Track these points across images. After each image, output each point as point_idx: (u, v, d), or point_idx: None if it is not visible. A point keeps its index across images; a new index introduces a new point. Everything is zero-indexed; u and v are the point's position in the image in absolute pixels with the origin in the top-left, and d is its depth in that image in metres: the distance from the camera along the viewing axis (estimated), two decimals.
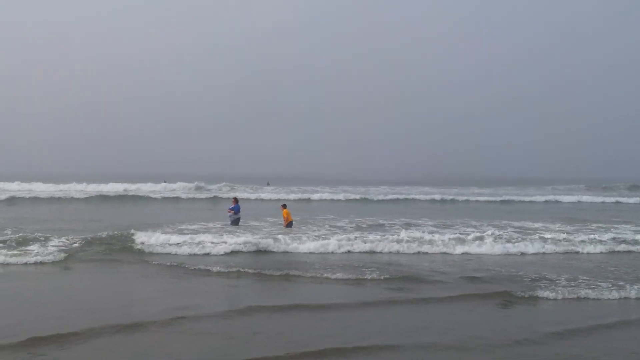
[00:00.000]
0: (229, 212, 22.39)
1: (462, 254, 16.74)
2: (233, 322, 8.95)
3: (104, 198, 39.87)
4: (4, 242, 15.68)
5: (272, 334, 8.31)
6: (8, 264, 13.68)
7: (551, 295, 11.19)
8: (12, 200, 35.95)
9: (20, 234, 16.69)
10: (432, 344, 7.99)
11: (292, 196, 45.56)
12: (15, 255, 14.30)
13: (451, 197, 48.87)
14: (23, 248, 15.20)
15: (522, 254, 17.05)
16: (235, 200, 23.15)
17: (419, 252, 16.74)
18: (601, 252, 17.57)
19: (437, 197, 47.90)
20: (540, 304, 10.81)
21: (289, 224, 21.58)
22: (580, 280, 12.63)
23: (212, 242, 16.33)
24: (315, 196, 46.49)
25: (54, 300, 10.31)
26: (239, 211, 22.34)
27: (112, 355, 7.31)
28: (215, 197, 42.64)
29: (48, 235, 16.73)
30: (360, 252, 16.47)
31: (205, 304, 10.10)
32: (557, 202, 48.42)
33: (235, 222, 22.06)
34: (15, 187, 48.86)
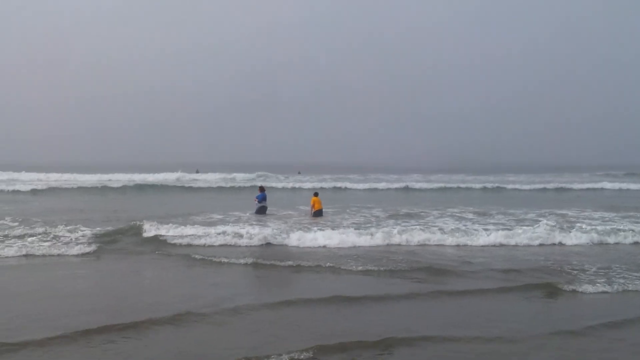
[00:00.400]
0: (255, 200, 22.30)
1: (501, 245, 16.11)
2: (278, 312, 8.95)
3: (138, 188, 40.44)
4: (35, 233, 15.87)
5: (323, 324, 8.35)
6: (38, 256, 13.81)
7: (593, 287, 10.72)
8: (48, 191, 36.71)
9: (52, 226, 16.89)
10: (477, 337, 7.76)
11: (325, 184, 45.35)
12: (46, 246, 14.47)
13: (496, 184, 47.73)
14: (55, 237, 15.41)
15: (562, 244, 16.42)
16: (261, 189, 22.98)
17: (457, 245, 16.05)
18: None
19: (477, 185, 46.94)
20: (584, 296, 10.39)
21: (317, 213, 21.34)
22: (622, 271, 12.11)
23: (237, 234, 16.06)
24: (349, 185, 46.13)
25: (88, 292, 10.41)
26: (264, 199, 22.16)
27: (179, 344, 7.39)
28: (245, 187, 42.59)
29: (79, 225, 16.86)
30: (392, 244, 15.94)
31: (242, 294, 10.12)
32: (596, 189, 46.82)
33: (261, 210, 21.90)
34: (54, 177, 49.98)
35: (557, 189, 45.72)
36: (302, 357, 6.82)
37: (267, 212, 22.17)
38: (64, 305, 9.20)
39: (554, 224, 17.94)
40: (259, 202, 22.09)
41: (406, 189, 44.33)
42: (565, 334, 7.96)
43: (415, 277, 11.69)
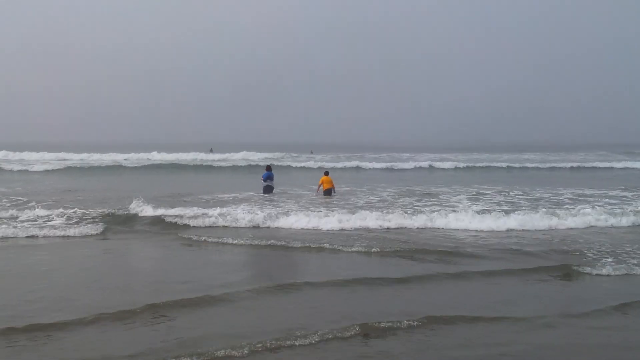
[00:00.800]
0: (261, 179, 22.13)
1: (514, 226, 15.43)
2: (294, 294, 8.85)
3: (152, 167, 40.68)
4: (47, 213, 15.87)
5: (340, 306, 8.29)
6: (48, 236, 13.78)
7: (608, 269, 10.44)
8: (63, 171, 37.00)
9: (63, 206, 16.92)
10: (482, 317, 7.63)
11: (342, 164, 45.18)
12: (55, 226, 14.48)
13: (512, 164, 47.09)
14: (64, 215, 15.52)
15: (580, 226, 15.83)
16: (268, 168, 22.73)
17: (466, 229, 15.27)
18: None
19: (494, 164, 46.49)
20: (598, 278, 10.14)
21: (327, 192, 21.25)
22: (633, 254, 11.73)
23: (243, 215, 15.76)
24: (364, 164, 45.87)
25: (97, 273, 10.42)
26: (269, 178, 21.89)
27: (205, 325, 7.30)
28: (258, 166, 42.41)
29: (89, 205, 16.85)
30: (404, 226, 15.35)
31: (255, 276, 10.16)
32: (614, 168, 45.98)
33: (267, 189, 21.71)
34: (69, 157, 50.33)
35: (573, 168, 45.14)
36: (347, 335, 6.86)
37: (280, 191, 22.01)
38: (72, 287, 9.19)
39: (601, 207, 17.43)
40: (264, 180, 21.88)
41: (421, 168, 44.01)
42: (576, 315, 7.84)
43: (431, 259, 11.48)
